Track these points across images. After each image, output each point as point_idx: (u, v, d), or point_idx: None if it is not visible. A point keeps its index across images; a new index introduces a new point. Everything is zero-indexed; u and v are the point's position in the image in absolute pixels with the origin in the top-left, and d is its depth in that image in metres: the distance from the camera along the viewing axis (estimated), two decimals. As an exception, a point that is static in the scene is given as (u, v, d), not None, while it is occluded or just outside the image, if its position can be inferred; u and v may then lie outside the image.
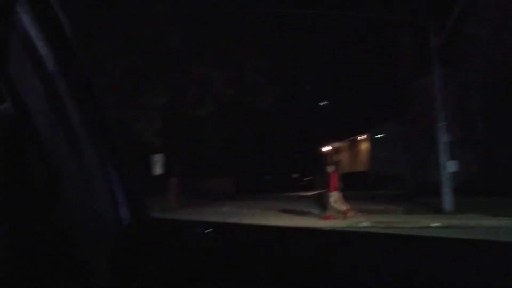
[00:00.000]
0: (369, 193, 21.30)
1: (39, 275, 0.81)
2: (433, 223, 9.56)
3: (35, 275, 0.81)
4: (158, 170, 16.09)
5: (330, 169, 11.43)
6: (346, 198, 11.54)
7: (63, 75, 0.89)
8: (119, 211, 0.96)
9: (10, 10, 0.79)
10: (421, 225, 9.45)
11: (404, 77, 24.19)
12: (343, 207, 10.98)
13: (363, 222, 10.29)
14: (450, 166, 12.12)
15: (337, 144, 39.33)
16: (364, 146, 33.12)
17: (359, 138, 33.58)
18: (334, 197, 11.02)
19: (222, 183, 24.32)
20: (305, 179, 41.61)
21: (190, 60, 18.01)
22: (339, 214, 10.99)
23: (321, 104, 37.59)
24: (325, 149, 41.84)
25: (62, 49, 0.89)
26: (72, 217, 0.87)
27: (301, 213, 12.62)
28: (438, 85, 12.44)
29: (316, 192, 27.29)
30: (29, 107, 0.84)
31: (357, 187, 25.78)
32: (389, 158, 28.17)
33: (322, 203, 11.92)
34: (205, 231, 0.94)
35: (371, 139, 31.12)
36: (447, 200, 11.62)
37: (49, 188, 0.84)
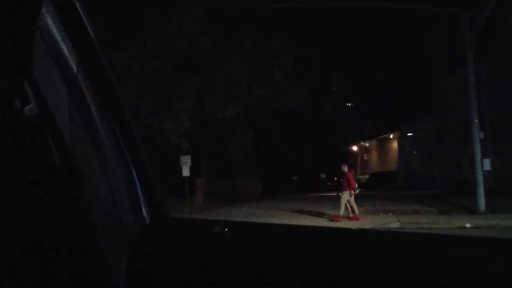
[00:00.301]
0: (399, 193, 20.81)
1: (60, 274, 0.84)
2: (466, 224, 9.24)
3: (55, 275, 0.83)
4: (186, 171, 16.31)
5: (344, 168, 11.16)
6: (375, 198, 11.26)
7: (87, 76, 0.91)
8: (140, 211, 0.98)
9: (35, 11, 0.82)
10: (453, 226, 9.15)
11: (437, 73, 23.49)
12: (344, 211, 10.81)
13: (393, 223, 10.06)
14: (484, 165, 11.66)
15: (366, 143, 38.62)
16: (394, 145, 32.37)
17: (388, 136, 32.87)
18: (346, 196, 10.83)
19: (249, 183, 24.34)
20: (335, 179, 41.12)
21: (217, 61, 18.16)
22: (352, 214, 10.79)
23: (348, 105, 37.02)
24: (354, 148, 41.18)
25: (86, 50, 0.91)
26: (94, 217, 0.89)
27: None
28: (472, 80, 11.99)
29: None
30: (53, 108, 0.87)
31: (387, 187, 25.25)
32: (420, 156, 27.41)
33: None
34: (224, 231, 0.94)
35: (402, 137, 30.38)
36: (481, 200, 11.20)
37: (72, 188, 0.87)
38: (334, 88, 34.13)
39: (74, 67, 0.90)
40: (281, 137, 27.39)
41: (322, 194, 25.21)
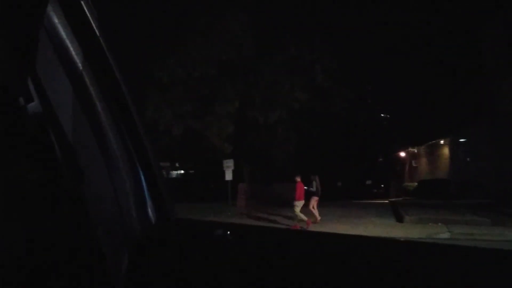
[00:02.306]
0: (450, 202, 19.78)
1: (61, 274, 0.83)
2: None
3: (57, 273, 0.82)
4: (228, 175, 16.50)
5: (297, 178, 11.59)
6: (424, 206, 10.85)
7: (92, 74, 0.91)
8: (145, 211, 0.97)
9: (41, 9, 0.82)
10: (509, 238, 8.51)
11: (493, 74, 22.16)
12: (304, 217, 11.10)
13: (442, 233, 9.54)
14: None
15: (415, 149, 37.21)
16: (445, 151, 30.96)
17: (439, 142, 31.48)
18: (299, 206, 11.23)
19: (291, 188, 24.21)
20: (381, 185, 39.94)
21: (260, 66, 18.27)
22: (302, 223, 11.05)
23: (383, 115, 35.84)
24: (402, 154, 39.81)
25: (91, 48, 0.91)
26: (96, 216, 0.88)
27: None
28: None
29: (390, 199, 26.03)
30: (57, 106, 0.87)
31: (437, 195, 24.14)
32: (473, 164, 25.96)
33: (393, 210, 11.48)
34: (226, 233, 0.92)
35: (453, 143, 28.97)
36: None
37: (74, 187, 0.86)
38: (369, 101, 33.19)
39: (79, 65, 0.90)
40: (325, 142, 27.03)
41: (367, 201, 24.54)
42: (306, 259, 0.80)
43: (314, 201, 12.01)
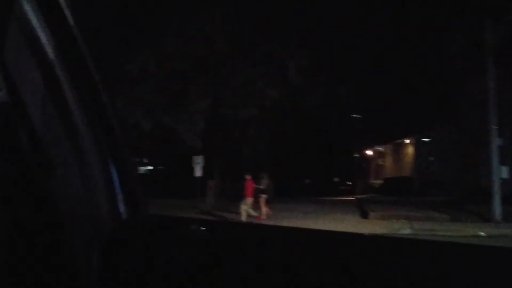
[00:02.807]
0: (413, 199, 20.46)
1: (29, 269, 0.81)
2: (479, 232, 9.02)
3: (24, 269, 0.81)
4: (198, 171, 16.37)
5: (247, 176, 12.54)
6: (388, 203, 11.21)
7: (64, 65, 0.89)
8: (116, 206, 0.95)
9: None
10: (466, 234, 8.94)
11: (455, 77, 23.03)
12: (254, 213, 12.01)
13: (404, 229, 9.89)
14: (502, 172, 11.38)
15: (381, 148, 38.17)
16: (410, 150, 31.93)
17: (404, 141, 32.42)
18: (247, 202, 12.10)
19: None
20: (348, 183, 40.72)
21: (233, 63, 18.19)
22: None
23: (354, 116, 36.56)
24: (368, 152, 40.73)
25: (64, 38, 0.88)
26: (65, 210, 0.86)
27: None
28: (492, 86, 11.72)
29: (357, 196, 26.62)
30: (25, 96, 0.84)
31: (401, 192, 24.87)
32: (436, 163, 26.95)
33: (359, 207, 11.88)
34: (200, 229, 0.92)
35: (417, 143, 29.93)
36: (497, 208, 10.92)
37: (42, 181, 0.84)
38: (341, 101, 33.73)
39: (51, 55, 0.87)
40: (295, 140, 27.27)
41: (334, 198, 24.99)
42: (279, 253, 0.81)
43: (263, 199, 12.56)
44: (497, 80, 12.21)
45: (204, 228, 0.94)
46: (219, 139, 20.15)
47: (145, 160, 31.44)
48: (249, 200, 12.00)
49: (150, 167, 33.36)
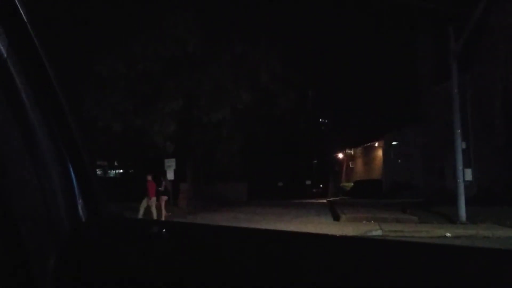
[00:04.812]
0: (383, 201, 20.96)
1: None
2: (446, 233, 9.32)
3: None
4: (170, 175, 16.16)
5: (148, 177, 12.80)
6: (358, 205, 11.41)
7: (18, 61, 0.85)
8: (75, 208, 0.92)
9: None
10: (434, 235, 9.21)
11: (422, 82, 23.82)
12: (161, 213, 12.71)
13: (375, 231, 10.09)
14: (466, 175, 11.81)
15: (351, 151, 38.93)
16: (379, 153, 32.71)
17: (374, 144, 33.21)
18: (149, 202, 12.55)
19: (235, 188, 24.28)
20: (320, 185, 41.26)
21: (205, 65, 18.08)
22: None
23: (322, 120, 37.29)
24: (339, 155, 41.44)
25: (17, 33, 0.84)
26: (18, 213, 0.82)
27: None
28: (456, 91, 12.16)
29: (328, 199, 26.99)
30: None
31: (371, 194, 25.44)
32: (404, 165, 27.73)
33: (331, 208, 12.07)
34: (162, 231, 0.90)
35: (386, 146, 30.71)
36: (462, 209, 11.32)
37: None
38: (309, 105, 34.25)
39: (3, 52, 0.83)
40: (267, 143, 27.41)
41: (307, 200, 25.24)
42: (244, 256, 0.80)
43: (162, 200, 13.20)
44: (463, 84, 12.69)
45: (165, 230, 0.92)
46: (191, 141, 19.96)
47: (116, 163, 30.78)
48: (153, 200, 12.49)
49: (120, 170, 32.68)
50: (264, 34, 18.90)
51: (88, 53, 16.42)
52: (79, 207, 0.93)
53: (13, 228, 0.81)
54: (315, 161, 42.02)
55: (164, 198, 13.29)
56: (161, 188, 13.21)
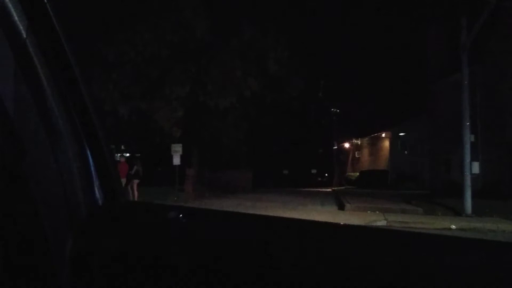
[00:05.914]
0: (388, 191, 20.94)
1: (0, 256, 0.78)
2: (451, 225, 9.32)
3: None
4: (176, 160, 16.22)
5: (121, 159, 14.25)
6: (364, 195, 11.42)
7: (38, 43, 0.85)
8: (92, 192, 0.93)
9: None
10: (438, 227, 9.21)
11: (432, 74, 23.54)
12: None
13: (379, 221, 10.10)
14: (473, 168, 11.73)
15: (358, 141, 38.79)
16: (386, 144, 32.56)
17: (381, 135, 33.03)
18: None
19: (240, 175, 24.35)
20: (325, 174, 41.27)
21: (213, 51, 17.98)
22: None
23: (333, 110, 37.02)
24: (346, 145, 41.32)
25: (37, 14, 0.84)
26: (36, 195, 0.83)
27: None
28: (466, 83, 12.01)
29: (333, 188, 27.01)
30: None
31: (377, 185, 25.41)
32: (411, 156, 27.61)
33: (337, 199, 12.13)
34: (179, 216, 0.90)
35: (394, 137, 30.55)
36: (468, 202, 11.28)
37: (14, 164, 0.80)
38: (320, 95, 33.98)
39: (23, 32, 0.83)
40: (274, 131, 27.35)
41: (312, 189, 25.29)
42: (260, 243, 0.80)
43: (134, 184, 13.97)
44: (472, 77, 12.52)
45: (182, 215, 0.92)
46: (198, 127, 19.98)
47: (122, 147, 30.97)
48: (122, 181, 13.12)
49: (127, 154, 32.90)
50: (273, 21, 18.72)
51: (96, 37, 16.39)
52: (96, 190, 0.93)
53: (32, 211, 0.82)
54: (320, 150, 41.95)
55: (136, 181, 14.03)
56: (131, 172, 13.90)
